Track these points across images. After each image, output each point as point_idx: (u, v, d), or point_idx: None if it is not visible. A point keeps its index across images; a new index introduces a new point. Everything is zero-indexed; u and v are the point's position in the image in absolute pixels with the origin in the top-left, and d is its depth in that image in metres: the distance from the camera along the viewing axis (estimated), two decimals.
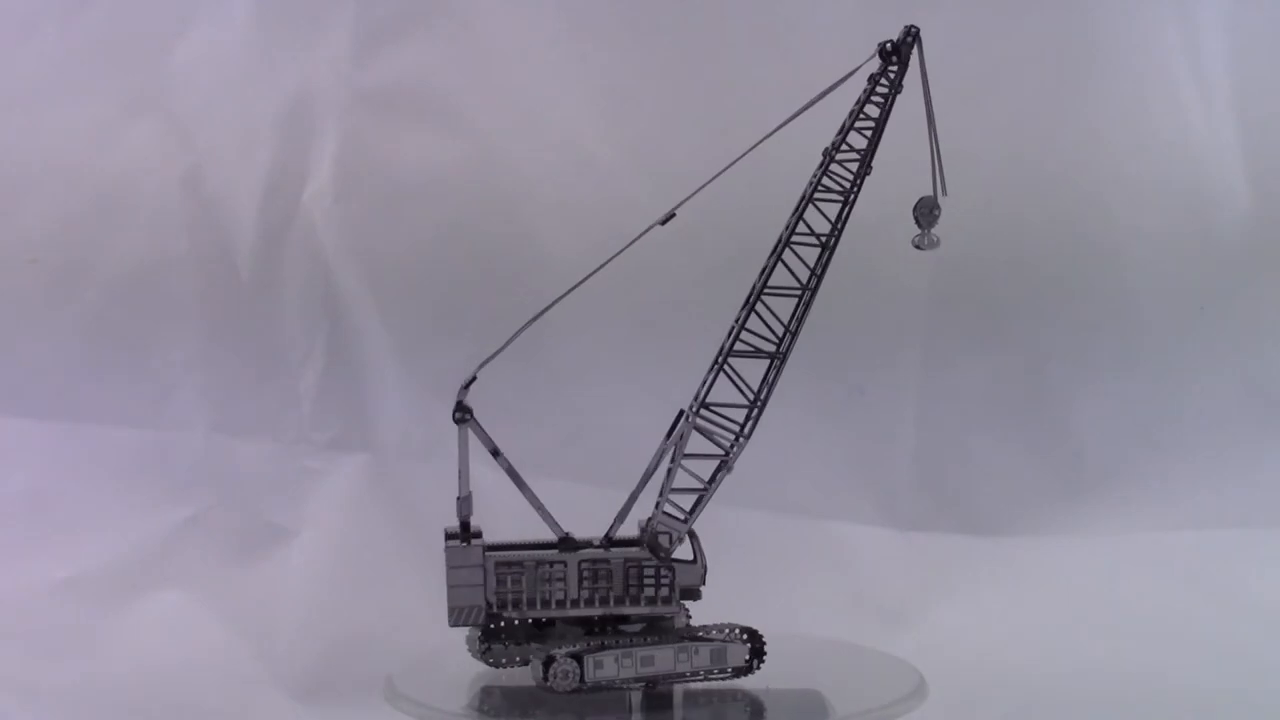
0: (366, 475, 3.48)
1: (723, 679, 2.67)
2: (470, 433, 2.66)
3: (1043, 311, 3.48)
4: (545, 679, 2.64)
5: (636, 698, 2.65)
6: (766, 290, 2.60)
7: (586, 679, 2.64)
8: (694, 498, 2.64)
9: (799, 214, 2.59)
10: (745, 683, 2.70)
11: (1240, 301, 3.49)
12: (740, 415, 2.63)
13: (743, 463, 2.63)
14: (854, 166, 2.58)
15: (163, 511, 3.45)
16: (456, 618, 2.64)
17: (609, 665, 2.65)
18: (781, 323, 2.61)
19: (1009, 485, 3.48)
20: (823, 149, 2.60)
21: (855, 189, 2.59)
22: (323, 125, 3.46)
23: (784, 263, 2.59)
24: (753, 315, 2.61)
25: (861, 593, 3.33)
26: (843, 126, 2.59)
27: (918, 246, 2.63)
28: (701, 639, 2.66)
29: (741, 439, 2.63)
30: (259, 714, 2.98)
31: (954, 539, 3.45)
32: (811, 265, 2.59)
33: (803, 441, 3.44)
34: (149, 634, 3.22)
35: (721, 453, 2.63)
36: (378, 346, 3.48)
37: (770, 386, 2.62)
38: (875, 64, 2.60)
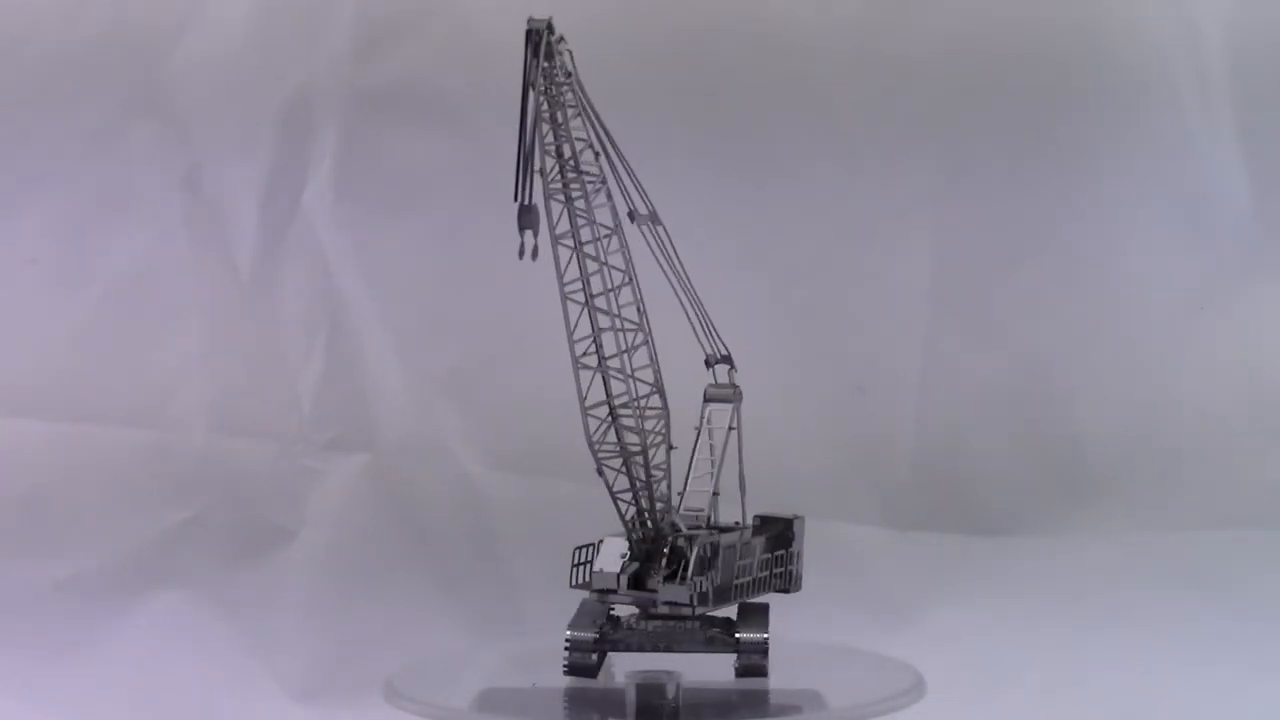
0: (366, 475, 3.48)
1: None
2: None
3: (1043, 311, 3.48)
4: None
5: (633, 698, 2.64)
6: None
7: None
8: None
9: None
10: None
11: (1240, 301, 3.49)
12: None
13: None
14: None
15: (163, 512, 3.44)
16: None
17: None
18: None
19: (1009, 485, 3.47)
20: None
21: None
22: (323, 125, 3.46)
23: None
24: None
25: (861, 593, 3.33)
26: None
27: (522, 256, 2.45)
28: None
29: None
30: (259, 714, 2.98)
31: (954, 539, 3.45)
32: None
33: (803, 441, 3.43)
34: (149, 634, 3.21)
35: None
36: (378, 346, 3.48)
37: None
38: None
